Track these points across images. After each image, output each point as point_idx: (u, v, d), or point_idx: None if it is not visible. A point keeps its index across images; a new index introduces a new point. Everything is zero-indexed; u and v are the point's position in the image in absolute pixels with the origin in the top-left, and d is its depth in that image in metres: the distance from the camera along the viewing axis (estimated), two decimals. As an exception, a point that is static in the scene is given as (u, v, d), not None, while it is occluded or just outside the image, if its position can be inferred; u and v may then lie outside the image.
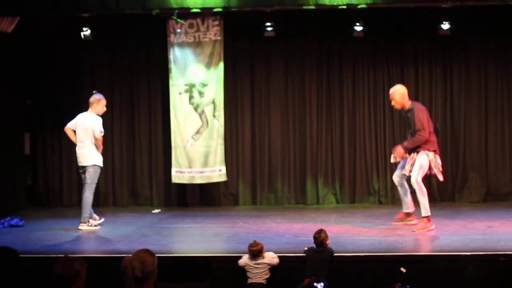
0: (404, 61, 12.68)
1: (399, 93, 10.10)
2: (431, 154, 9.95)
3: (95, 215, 10.80)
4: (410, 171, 9.93)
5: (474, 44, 12.57)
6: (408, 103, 10.09)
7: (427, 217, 9.92)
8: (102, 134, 10.58)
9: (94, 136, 10.50)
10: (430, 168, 9.95)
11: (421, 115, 9.98)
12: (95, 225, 10.63)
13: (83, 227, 10.54)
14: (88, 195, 10.53)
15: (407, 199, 10.27)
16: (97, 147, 10.55)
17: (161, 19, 11.91)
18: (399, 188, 10.35)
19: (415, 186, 9.91)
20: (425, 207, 9.90)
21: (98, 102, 10.61)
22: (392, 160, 10.41)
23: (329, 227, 9.73)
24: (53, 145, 12.94)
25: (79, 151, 10.58)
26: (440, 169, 10.04)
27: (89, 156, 10.55)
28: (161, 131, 12.78)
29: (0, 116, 11.92)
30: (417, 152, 9.95)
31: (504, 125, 12.59)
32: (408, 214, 10.32)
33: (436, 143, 10.14)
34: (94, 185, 10.59)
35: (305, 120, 12.77)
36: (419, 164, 9.88)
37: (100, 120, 10.59)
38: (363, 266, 8.41)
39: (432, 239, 9.39)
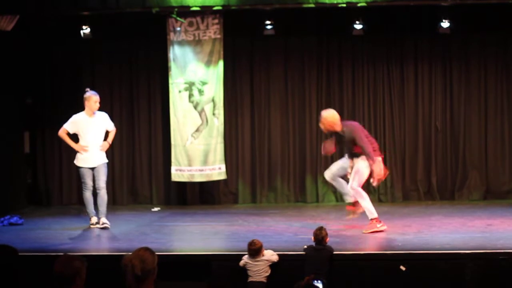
0: (404, 59, 12.68)
1: (327, 120, 9.95)
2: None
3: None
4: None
5: (474, 42, 12.57)
6: (339, 126, 9.93)
7: (375, 218, 9.83)
8: (61, 131, 10.54)
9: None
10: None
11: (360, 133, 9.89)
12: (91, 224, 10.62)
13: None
14: (83, 194, 10.63)
15: (345, 190, 10.11)
16: (70, 146, 10.63)
17: (160, 17, 11.90)
18: (333, 183, 10.27)
19: (351, 192, 9.89)
20: (369, 210, 9.84)
21: (88, 99, 10.53)
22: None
23: (329, 225, 9.74)
24: (53, 144, 12.93)
25: None
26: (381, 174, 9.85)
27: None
28: (160, 129, 12.78)
29: (0, 114, 11.92)
30: (358, 158, 9.85)
31: (504, 123, 12.60)
32: (354, 204, 10.11)
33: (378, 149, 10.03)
34: (83, 184, 10.58)
35: (305, 118, 12.77)
36: (356, 170, 9.80)
37: (72, 117, 10.57)
38: (363, 264, 8.41)
39: (432, 238, 9.38)
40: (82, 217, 11.18)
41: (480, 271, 8.17)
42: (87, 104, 10.55)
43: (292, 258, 8.41)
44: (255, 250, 8.18)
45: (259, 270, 8.15)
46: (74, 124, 10.54)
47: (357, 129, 9.91)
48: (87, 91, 10.69)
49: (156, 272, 4.43)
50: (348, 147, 9.96)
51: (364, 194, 9.89)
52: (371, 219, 9.83)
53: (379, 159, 9.78)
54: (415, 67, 12.66)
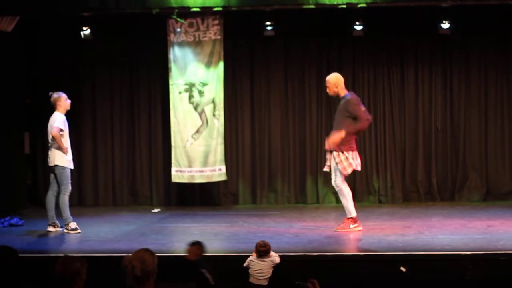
0: (404, 60, 12.69)
1: (330, 82, 10.03)
2: (344, 153, 9.85)
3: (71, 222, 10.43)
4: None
5: (474, 43, 12.58)
6: (343, 91, 10.01)
7: (351, 218, 9.89)
8: (58, 131, 10.21)
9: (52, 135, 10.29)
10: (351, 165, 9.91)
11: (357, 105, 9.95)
12: (66, 228, 10.34)
13: (49, 228, 10.39)
14: (61, 197, 10.35)
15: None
16: (61, 147, 10.24)
17: (161, 18, 11.91)
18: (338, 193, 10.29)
19: (336, 189, 9.99)
20: (347, 209, 9.89)
21: (60, 99, 10.36)
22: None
23: (329, 226, 9.73)
24: (53, 145, 12.93)
25: (48, 151, 10.47)
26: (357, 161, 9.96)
27: (53, 156, 10.35)
28: (161, 130, 12.78)
29: (0, 115, 11.91)
30: (331, 153, 9.91)
31: (504, 124, 12.60)
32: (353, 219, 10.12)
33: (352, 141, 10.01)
34: (64, 187, 10.32)
35: (305, 119, 12.78)
36: (334, 168, 9.88)
37: (59, 117, 10.29)
38: (363, 266, 8.40)
39: (432, 238, 9.38)
40: (82, 218, 11.16)
41: (480, 272, 8.16)
42: (61, 104, 10.34)
43: (292, 259, 8.39)
44: (265, 251, 8.13)
45: (262, 270, 8.09)
46: (64, 123, 10.35)
47: (354, 100, 9.94)
48: (53, 94, 10.46)
49: (156, 273, 4.44)
50: (336, 120, 10.00)
51: (346, 192, 9.91)
52: (347, 218, 9.91)
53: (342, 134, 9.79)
54: (415, 68, 12.66)
